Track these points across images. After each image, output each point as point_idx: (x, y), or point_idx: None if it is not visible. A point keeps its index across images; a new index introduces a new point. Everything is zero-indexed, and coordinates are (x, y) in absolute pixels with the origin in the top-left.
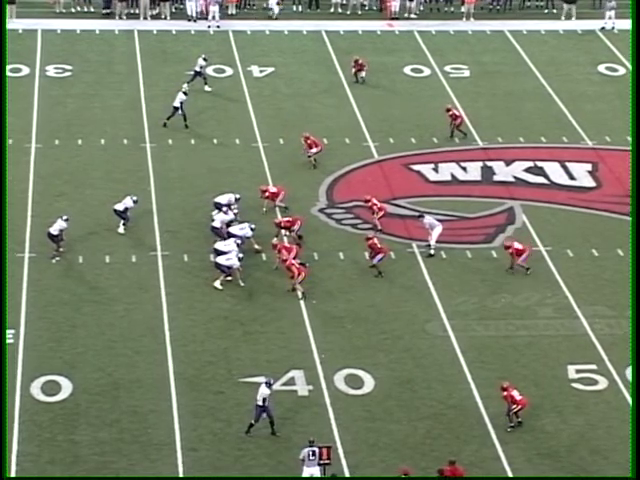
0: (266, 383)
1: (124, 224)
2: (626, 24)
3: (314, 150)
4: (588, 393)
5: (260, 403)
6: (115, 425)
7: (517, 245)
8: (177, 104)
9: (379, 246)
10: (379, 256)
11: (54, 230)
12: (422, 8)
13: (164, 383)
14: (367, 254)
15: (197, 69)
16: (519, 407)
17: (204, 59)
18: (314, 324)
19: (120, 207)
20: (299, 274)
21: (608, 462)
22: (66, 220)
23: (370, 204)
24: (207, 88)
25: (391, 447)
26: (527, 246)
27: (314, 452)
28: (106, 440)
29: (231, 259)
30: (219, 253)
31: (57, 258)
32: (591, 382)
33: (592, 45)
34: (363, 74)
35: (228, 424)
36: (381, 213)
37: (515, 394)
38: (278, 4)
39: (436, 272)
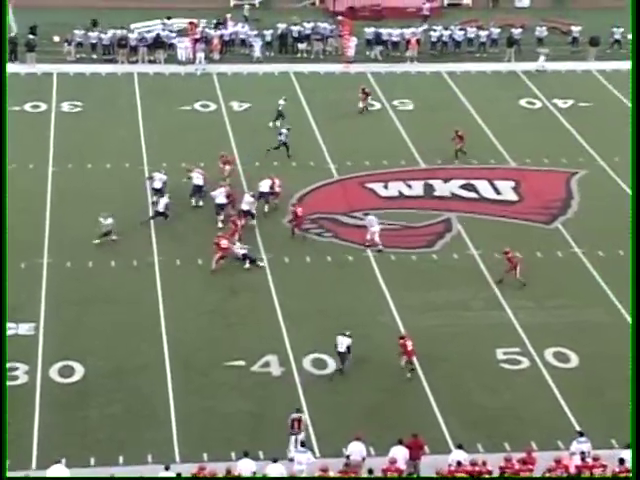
0: (344, 334)
1: (161, 197)
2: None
3: (228, 167)
4: (513, 372)
5: (342, 350)
6: (121, 402)
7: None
8: (282, 139)
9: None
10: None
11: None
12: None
13: (161, 367)
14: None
15: (280, 109)
16: (408, 357)
17: (284, 100)
18: (285, 316)
19: (157, 185)
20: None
21: (531, 429)
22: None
23: (295, 208)
24: (271, 124)
25: (352, 417)
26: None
27: (298, 419)
28: (113, 414)
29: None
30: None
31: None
32: (515, 362)
33: (514, 83)
34: (369, 100)
35: (215, 401)
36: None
37: (409, 344)
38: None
39: (387, 272)
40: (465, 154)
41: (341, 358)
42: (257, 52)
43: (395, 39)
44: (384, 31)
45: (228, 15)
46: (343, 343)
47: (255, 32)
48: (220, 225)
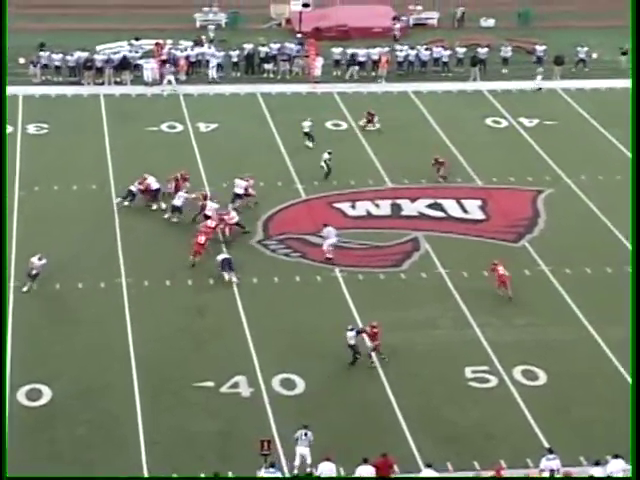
0: (351, 329)
1: (131, 201)
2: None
3: (188, 185)
4: (482, 390)
5: (352, 342)
6: (88, 423)
7: (501, 269)
8: (323, 164)
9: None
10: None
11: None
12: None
13: (129, 388)
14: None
15: (306, 130)
16: (377, 342)
17: (310, 120)
18: (254, 337)
19: (133, 188)
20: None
21: (500, 446)
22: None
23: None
24: (309, 144)
25: (322, 438)
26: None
27: (306, 433)
28: (81, 436)
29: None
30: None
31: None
32: (484, 380)
33: (479, 102)
34: (376, 122)
35: (184, 422)
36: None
37: (373, 331)
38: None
39: (354, 291)
40: (445, 179)
41: (353, 350)
42: (212, 73)
43: (362, 59)
44: (351, 51)
45: (203, 36)
46: (349, 337)
47: (213, 53)
48: (154, 207)
